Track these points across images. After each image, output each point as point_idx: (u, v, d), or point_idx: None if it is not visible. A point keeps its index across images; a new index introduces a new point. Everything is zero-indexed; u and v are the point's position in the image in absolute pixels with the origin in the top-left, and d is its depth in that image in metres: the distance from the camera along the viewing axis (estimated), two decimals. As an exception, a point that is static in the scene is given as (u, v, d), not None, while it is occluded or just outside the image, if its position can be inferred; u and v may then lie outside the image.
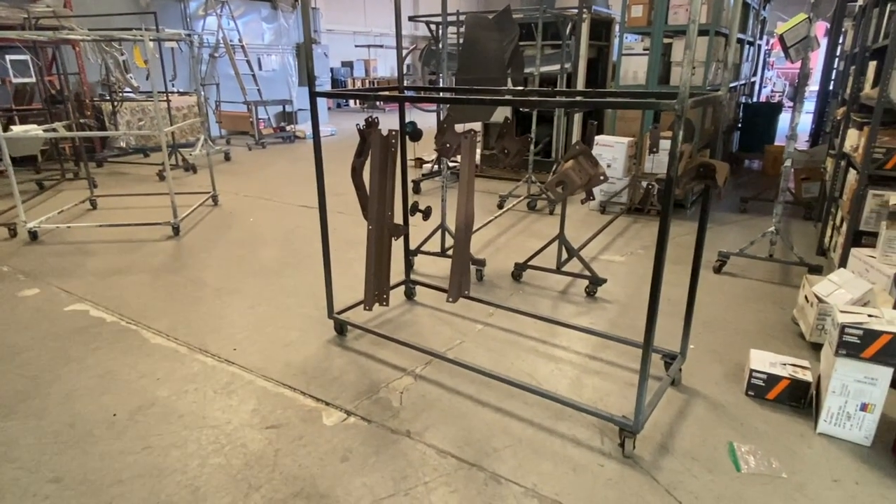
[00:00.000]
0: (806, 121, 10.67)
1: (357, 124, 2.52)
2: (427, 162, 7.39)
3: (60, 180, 6.61)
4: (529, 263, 3.61)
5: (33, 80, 6.93)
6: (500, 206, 5.43)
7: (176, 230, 4.61)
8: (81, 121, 7.42)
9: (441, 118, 2.73)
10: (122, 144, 8.47)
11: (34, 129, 5.02)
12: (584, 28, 6.06)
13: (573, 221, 4.98)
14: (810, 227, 4.78)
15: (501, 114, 6.24)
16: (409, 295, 3.38)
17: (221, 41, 9.82)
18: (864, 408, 2.03)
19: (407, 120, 2.98)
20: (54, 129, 5.30)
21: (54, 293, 3.44)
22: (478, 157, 7.21)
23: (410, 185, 6.22)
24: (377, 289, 2.57)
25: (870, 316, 2.02)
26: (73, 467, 1.98)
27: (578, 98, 2.46)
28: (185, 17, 9.62)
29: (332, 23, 16.74)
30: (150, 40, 4.45)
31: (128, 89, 7.94)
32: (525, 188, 5.75)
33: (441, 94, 2.89)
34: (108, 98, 7.88)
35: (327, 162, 7.80)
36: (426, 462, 1.99)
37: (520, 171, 6.21)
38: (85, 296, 3.40)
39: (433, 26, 6.19)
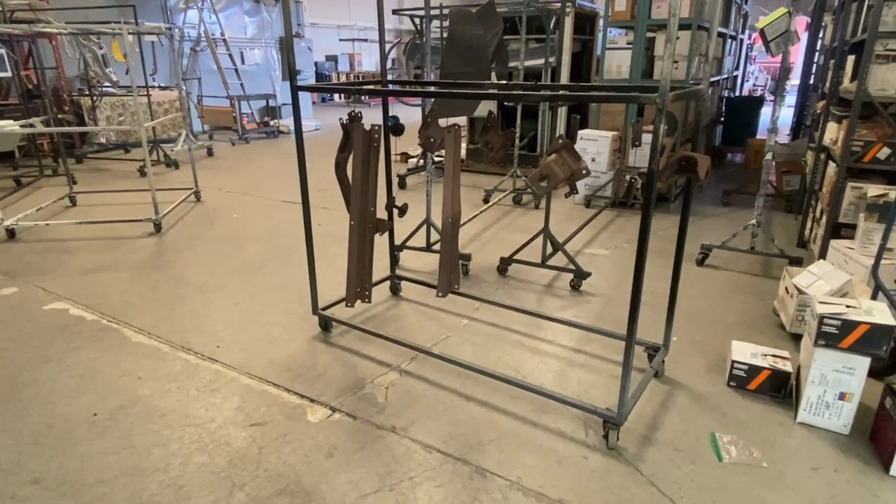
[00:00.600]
0: (787, 114, 10.79)
1: (340, 119, 2.50)
2: (412, 157, 7.36)
3: (39, 177, 6.49)
4: (515, 258, 3.62)
5: (9, 74, 6.78)
6: (486, 201, 5.43)
7: (158, 227, 4.55)
8: (59, 116, 7.29)
9: (425, 112, 2.71)
10: (102, 140, 8.33)
11: (10, 125, 4.91)
12: (568, 22, 6.06)
13: (558, 215, 5.00)
14: (791, 220, 4.85)
15: (486, 108, 6.23)
16: (395, 290, 3.38)
17: (203, 35, 9.69)
18: (842, 397, 2.06)
19: (391, 114, 2.96)
20: (31, 125, 5.19)
21: (33, 292, 3.38)
22: (463, 151, 7.20)
23: (396, 180, 6.20)
24: (360, 285, 2.55)
25: (848, 307, 2.05)
26: (52, 468, 1.95)
27: (560, 92, 2.46)
28: (166, 11, 9.47)
29: (315, 16, 16.58)
30: (129, 34, 4.37)
31: (107, 84, 7.81)
32: (511, 182, 5.76)
33: (424, 89, 2.88)
34: (87, 93, 7.74)
35: (312, 157, 7.74)
36: (411, 457, 1.99)
37: (505, 166, 6.22)
38: (65, 294, 3.35)
39: (417, 20, 6.16)
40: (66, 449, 2.04)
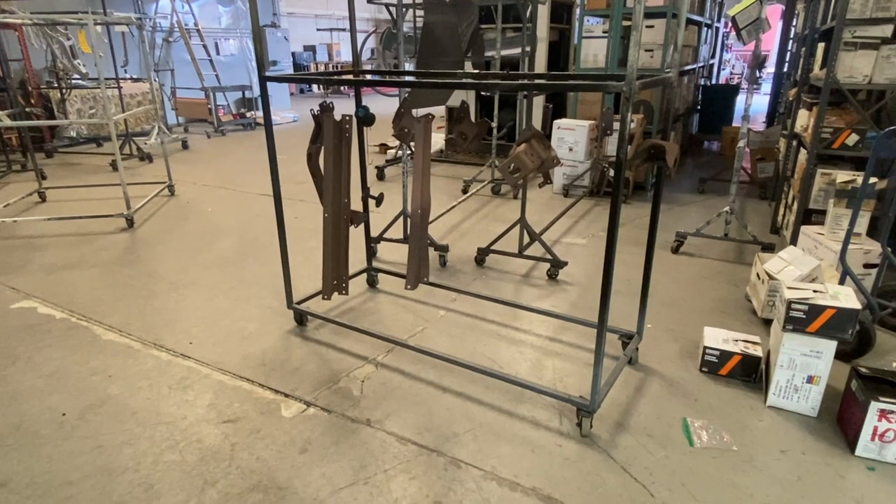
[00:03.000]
0: (763, 102, 10.92)
1: (311, 109, 2.46)
2: (391, 147, 7.31)
3: (7, 172, 6.32)
4: (492, 248, 3.61)
5: (-28, 66, 6.57)
6: (465, 191, 5.42)
7: (130, 222, 4.47)
8: (27, 109, 7.10)
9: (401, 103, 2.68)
10: (73, 134, 8.13)
11: (-26, 119, 4.77)
12: (544, 11, 6.05)
13: (536, 205, 5.00)
14: (765, 207, 4.91)
15: (458, 98, 6.20)
16: (372, 283, 3.36)
17: (176, 25, 9.48)
18: (810, 380, 2.10)
19: (364, 104, 2.93)
20: (-4, 119, 5.05)
21: (-1, 290, 3.30)
22: (441, 142, 7.17)
23: (375, 172, 6.15)
24: (335, 277, 2.53)
25: (815, 291, 2.08)
26: (19, 470, 1.91)
27: (528, 81, 2.45)
28: (137, 0, 9.24)
29: (292, 6, 16.32)
30: (97, 24, 4.25)
31: (76, 76, 7.61)
32: (489, 173, 5.75)
33: (399, 79, 2.84)
34: (56, 85, 7.54)
35: (289, 149, 7.65)
36: (386, 450, 1.98)
37: (484, 156, 6.20)
38: (33, 292, 3.27)
39: (393, 9, 6.09)
40: (33, 450, 2.00)
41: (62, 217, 4.60)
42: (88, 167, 6.76)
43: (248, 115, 9.95)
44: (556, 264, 3.41)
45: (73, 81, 7.82)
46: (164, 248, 4.00)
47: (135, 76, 8.89)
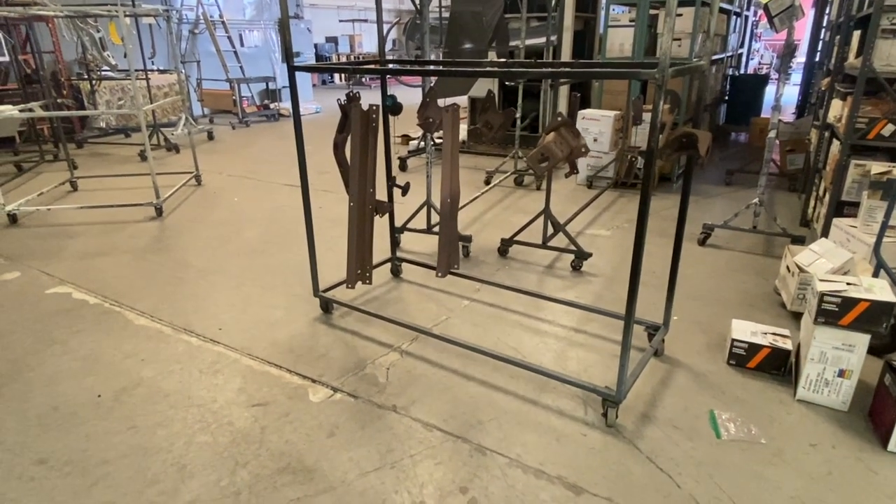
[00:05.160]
0: (793, 92, 10.67)
1: (338, 99, 2.48)
2: (413, 138, 7.32)
3: (39, 162, 6.48)
4: (515, 239, 3.61)
5: (7, 59, 6.73)
6: (487, 182, 5.41)
7: (159, 211, 4.55)
8: (59, 100, 7.25)
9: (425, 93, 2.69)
10: (103, 125, 8.30)
11: (10, 110, 4.90)
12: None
13: (560, 196, 4.97)
14: (795, 199, 4.81)
15: (485, 88, 6.18)
16: (396, 272, 3.38)
17: (202, 17, 9.58)
18: (841, 374, 2.07)
19: (392, 94, 2.94)
20: (31, 110, 5.17)
21: (35, 276, 3.40)
22: (464, 132, 7.16)
23: (397, 162, 6.17)
24: (360, 266, 2.56)
25: (848, 284, 2.04)
26: (57, 448, 1.97)
27: (557, 69, 2.43)
28: (163, -8, 9.36)
29: (315, -3, 16.37)
30: (126, 16, 4.32)
31: (106, 67, 7.75)
32: (512, 163, 5.73)
33: (423, 68, 2.85)
34: (86, 77, 7.69)
35: (312, 139, 7.71)
36: (412, 436, 2.01)
37: (506, 147, 6.17)
38: (67, 278, 3.37)
39: (417, -1, 6.07)
40: (71, 430, 2.06)
41: (93, 206, 4.71)
42: (118, 157, 6.90)
43: (272, 106, 10.03)
44: (581, 255, 3.39)
45: (103, 73, 7.96)
46: (192, 236, 4.08)
47: (162, 68, 9.02)
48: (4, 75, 7.17)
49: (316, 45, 15.12)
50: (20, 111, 4.98)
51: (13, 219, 4.43)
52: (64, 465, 1.89)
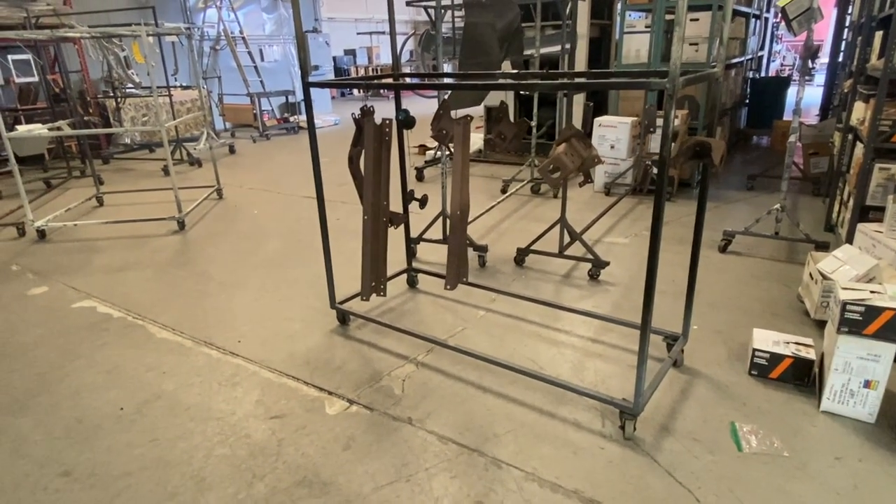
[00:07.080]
0: (816, 94, 10.46)
1: (352, 113, 2.51)
2: (430, 149, 7.36)
3: (67, 178, 6.67)
4: (532, 248, 3.60)
5: (36, 79, 6.97)
6: (504, 191, 5.41)
7: (181, 225, 4.65)
8: (86, 118, 7.46)
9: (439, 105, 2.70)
10: (127, 141, 8.51)
11: (39, 129, 5.06)
12: (585, 7, 5.97)
13: (577, 204, 4.95)
14: (819, 204, 4.71)
15: (497, 98, 6.19)
16: (412, 283, 3.39)
17: (222, 33, 9.79)
18: (867, 385, 2.01)
19: (404, 107, 2.96)
20: (59, 128, 5.33)
21: (62, 290, 3.49)
22: (480, 142, 7.17)
23: (413, 173, 6.21)
24: (374, 279, 2.57)
25: (872, 292, 1.99)
26: (81, 461, 2.02)
27: (565, 81, 2.43)
28: (185, 11, 9.60)
29: (333, 11, 16.61)
30: (149, 35, 4.45)
31: (130, 85, 7.96)
32: (528, 172, 5.72)
33: (436, 81, 2.87)
34: (112, 95, 7.91)
35: (331, 152, 7.79)
36: (427, 448, 2.00)
37: (523, 156, 6.17)
38: (92, 292, 3.45)
39: (431, 11, 6.12)
40: (95, 442, 2.11)
41: (119, 220, 4.82)
42: (142, 172, 7.06)
43: (292, 119, 10.18)
44: (598, 264, 3.36)
45: (128, 90, 8.18)
46: (213, 249, 4.15)
47: (184, 84, 9.23)
48: (34, 95, 7.41)
49: (335, 58, 15.31)
50: (49, 129, 5.13)
51: (42, 234, 4.55)
52: (87, 478, 1.93)
